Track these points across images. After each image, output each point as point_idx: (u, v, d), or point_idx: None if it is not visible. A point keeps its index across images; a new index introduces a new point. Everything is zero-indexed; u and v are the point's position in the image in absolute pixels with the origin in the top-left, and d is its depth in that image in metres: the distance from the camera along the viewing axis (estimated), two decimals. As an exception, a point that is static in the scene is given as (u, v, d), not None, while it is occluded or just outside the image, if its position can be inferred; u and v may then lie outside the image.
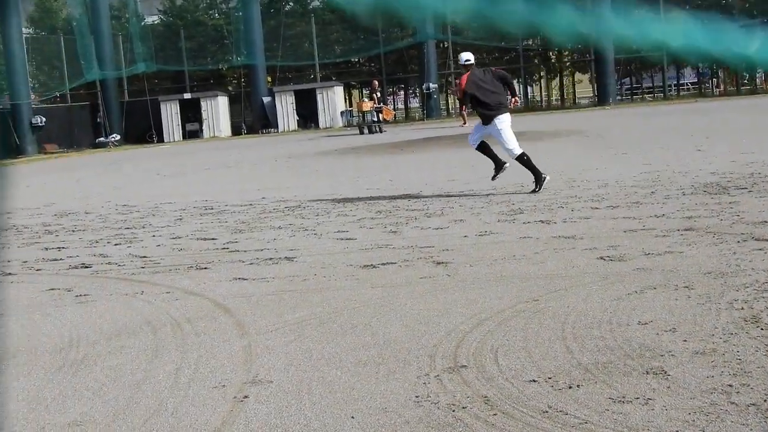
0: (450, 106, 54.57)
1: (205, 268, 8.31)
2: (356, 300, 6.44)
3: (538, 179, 12.47)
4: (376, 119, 37.26)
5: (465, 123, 36.00)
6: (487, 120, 12.64)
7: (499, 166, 12.95)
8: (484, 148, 12.98)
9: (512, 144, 12.61)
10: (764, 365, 4.28)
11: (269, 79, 51.43)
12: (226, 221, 11.80)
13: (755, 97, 46.84)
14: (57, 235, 11.69)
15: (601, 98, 49.43)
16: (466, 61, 13.03)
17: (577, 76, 61.01)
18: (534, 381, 4.33)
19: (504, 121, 12.59)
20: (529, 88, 60.90)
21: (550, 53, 56.91)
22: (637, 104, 49.52)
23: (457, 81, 12.61)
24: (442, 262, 7.66)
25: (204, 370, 4.96)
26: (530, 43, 54.22)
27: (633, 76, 60.70)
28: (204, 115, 47.19)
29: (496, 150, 13.12)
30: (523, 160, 12.61)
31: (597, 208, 10.34)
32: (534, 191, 12.36)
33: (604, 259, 7.23)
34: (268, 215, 12.14)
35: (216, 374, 4.86)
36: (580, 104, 57.53)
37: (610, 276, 6.58)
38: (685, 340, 4.79)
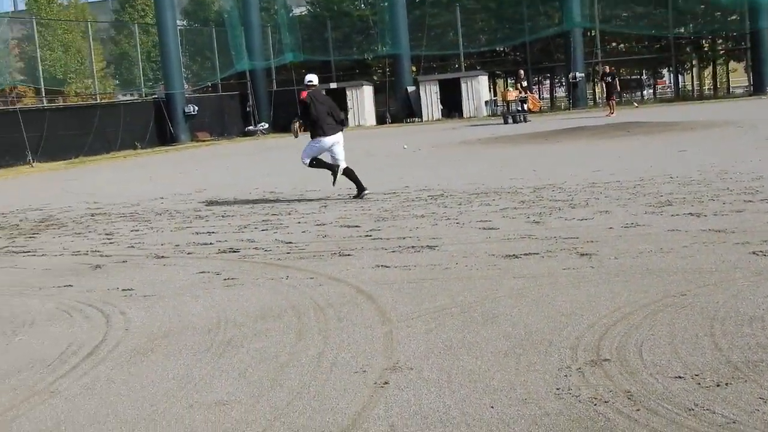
0: (597, 96, 53.52)
1: (349, 254, 8.42)
2: (497, 290, 6.41)
3: (361, 190, 13.51)
4: (520, 108, 36.88)
5: (613, 113, 35.22)
6: (324, 135, 13.58)
7: (335, 172, 13.79)
8: (318, 163, 13.97)
9: (342, 158, 13.74)
10: None
11: (414, 68, 51.58)
12: (370, 209, 11.93)
13: None
14: (207, 220, 12.07)
15: (756, 87, 47.46)
16: (309, 82, 14.25)
17: (732, 64, 58.82)
18: (680, 377, 4.22)
19: (339, 140, 13.72)
20: (680, 78, 59.11)
21: (703, 41, 55.03)
22: (795, 93, 47.36)
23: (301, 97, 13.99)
24: (586, 254, 7.53)
25: (346, 355, 5.04)
26: (682, 31, 52.55)
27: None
28: (349, 104, 47.75)
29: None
30: (349, 171, 13.63)
31: (750, 201, 9.96)
32: (356, 197, 13.45)
33: (757, 255, 6.96)
34: (411, 204, 12.21)
35: (357, 359, 4.93)
36: (734, 94, 55.47)
37: (764, 272, 6.33)
38: (843, 340, 4.57)
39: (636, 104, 29.67)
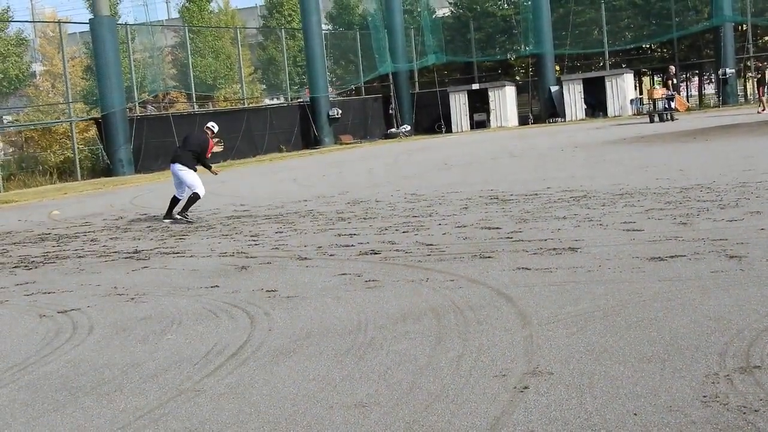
0: (748, 92, 51.63)
1: (489, 257, 8.39)
2: (642, 293, 6.27)
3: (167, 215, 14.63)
4: (667, 107, 35.91)
5: (766, 109, 33.92)
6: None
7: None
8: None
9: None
10: None
11: (557, 67, 50.93)
12: (511, 210, 11.85)
13: None
14: (349, 222, 12.23)
15: None
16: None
17: None
18: (836, 387, 4.03)
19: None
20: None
21: None
22: None
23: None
24: (736, 256, 7.28)
25: (485, 358, 5.02)
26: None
27: None
28: (491, 105, 47.52)
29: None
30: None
31: None
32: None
33: None
34: (553, 205, 12.06)
35: (497, 363, 4.90)
36: None
37: None
38: None
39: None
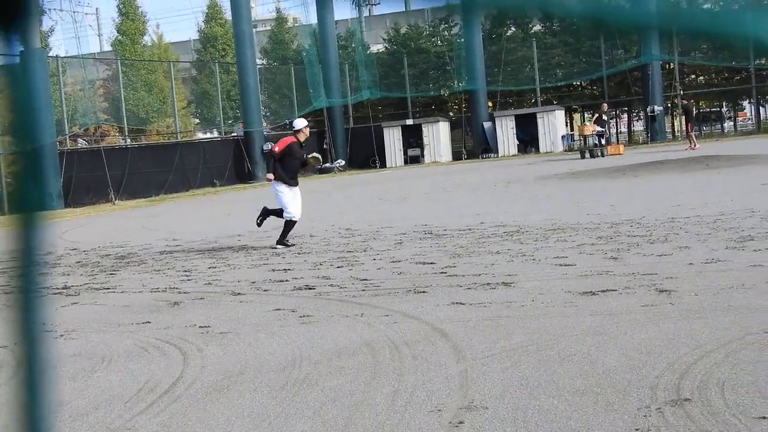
0: (675, 129, 52.83)
1: (424, 291, 8.40)
2: (574, 327, 6.33)
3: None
4: (597, 143, 36.54)
5: (694, 146, 34.63)
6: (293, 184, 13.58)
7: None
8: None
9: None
10: None
11: (490, 103, 51.59)
12: (445, 245, 11.90)
13: None
14: (283, 257, 12.17)
15: (843, 118, 46.34)
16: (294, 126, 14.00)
17: (816, 95, 57.51)
18: (764, 418, 4.10)
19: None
20: (761, 109, 58.00)
21: (786, 72, 53.97)
22: None
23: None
24: (666, 290, 7.40)
25: (420, 393, 5.01)
26: (763, 62, 51.64)
27: None
28: (425, 140, 47.89)
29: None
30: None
31: (837, 236, 9.68)
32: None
33: None
34: (487, 240, 12.15)
35: (432, 398, 4.90)
36: (820, 125, 54.20)
37: None
38: None
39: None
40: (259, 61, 52.13)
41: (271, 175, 13.46)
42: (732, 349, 5.34)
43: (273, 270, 10.95)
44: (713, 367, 5.01)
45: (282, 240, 13.42)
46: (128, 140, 41.31)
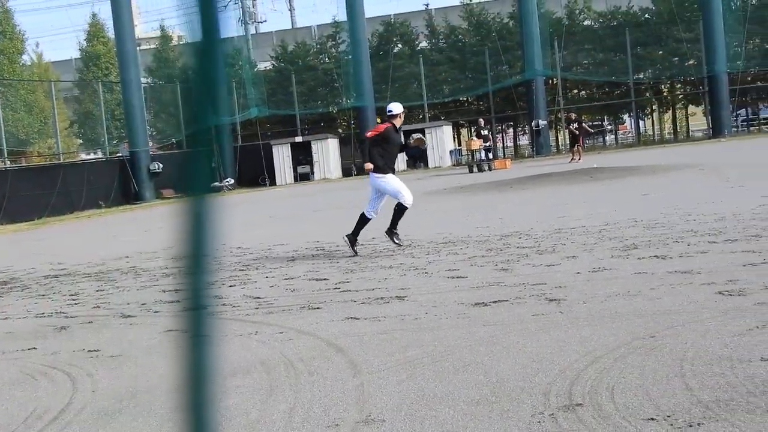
0: (560, 143, 54.13)
1: (318, 308, 8.39)
2: (468, 338, 6.40)
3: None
4: (484, 158, 37.17)
5: (579, 159, 35.44)
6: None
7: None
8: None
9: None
10: None
11: (378, 120, 51.94)
12: (338, 261, 11.91)
13: None
14: (174, 278, 11.97)
15: (715, 130, 48.22)
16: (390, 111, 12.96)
17: (690, 108, 59.76)
18: (652, 419, 4.22)
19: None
20: (641, 122, 59.94)
21: (662, 86, 55.96)
22: (753, 136, 48.17)
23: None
24: (555, 299, 7.55)
25: (317, 409, 4.99)
26: (641, 76, 53.41)
27: (749, 107, 59.12)
28: (315, 157, 47.89)
29: None
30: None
31: (714, 242, 10.06)
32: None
33: (723, 294, 7.02)
34: (379, 254, 12.20)
35: (329, 413, 4.88)
36: (694, 137, 56.29)
37: (730, 311, 6.38)
38: (811, 377, 4.60)
39: (596, 165, 30.29)
40: (143, 80, 51.36)
41: (369, 165, 12.50)
42: (620, 354, 5.48)
43: (163, 291, 10.76)
44: (603, 372, 5.13)
45: (393, 229, 12.56)
46: (7, 162, 40.09)
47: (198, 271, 1.19)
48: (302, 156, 48.46)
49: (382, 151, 12.49)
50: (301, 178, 48.03)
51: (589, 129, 38.22)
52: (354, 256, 12.28)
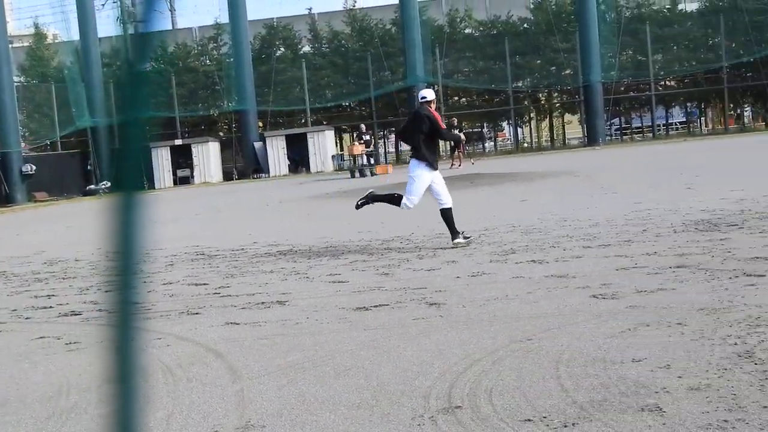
0: (441, 149, 54.86)
1: (197, 313, 8.26)
2: (349, 343, 6.41)
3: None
4: (366, 163, 37.35)
5: (459, 164, 35.94)
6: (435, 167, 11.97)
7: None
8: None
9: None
10: (759, 400, 4.26)
11: (260, 124, 51.64)
12: (218, 266, 11.76)
13: (743, 136, 47.13)
14: (47, 283, 11.63)
15: (590, 139, 49.68)
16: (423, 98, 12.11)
17: (567, 117, 61.39)
18: (529, 420, 4.30)
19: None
20: (519, 130, 61.22)
21: (540, 95, 57.31)
22: (626, 144, 49.81)
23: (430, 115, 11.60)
24: (435, 303, 7.63)
25: (196, 416, 4.91)
26: (520, 85, 54.59)
27: (622, 116, 61.10)
28: (195, 161, 47.27)
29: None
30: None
31: (589, 247, 10.34)
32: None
33: (597, 298, 7.22)
34: (260, 259, 12.11)
35: (208, 420, 4.81)
36: (570, 145, 57.82)
37: (603, 314, 6.56)
38: (679, 377, 4.77)
39: (473, 162, 30.89)
40: (16, 79, 49.76)
41: (463, 136, 11.57)
42: (498, 357, 5.57)
43: (36, 296, 10.43)
44: (481, 374, 5.21)
45: (456, 229, 11.61)
46: None
47: (127, 271, 1.17)
48: (182, 159, 47.77)
49: (430, 142, 11.88)
50: (181, 181, 47.35)
51: (463, 137, 38.68)
52: (469, 241, 11.66)
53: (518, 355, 5.56)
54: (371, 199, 12.25)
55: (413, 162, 11.84)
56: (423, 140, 11.65)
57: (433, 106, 11.94)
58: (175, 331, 7.47)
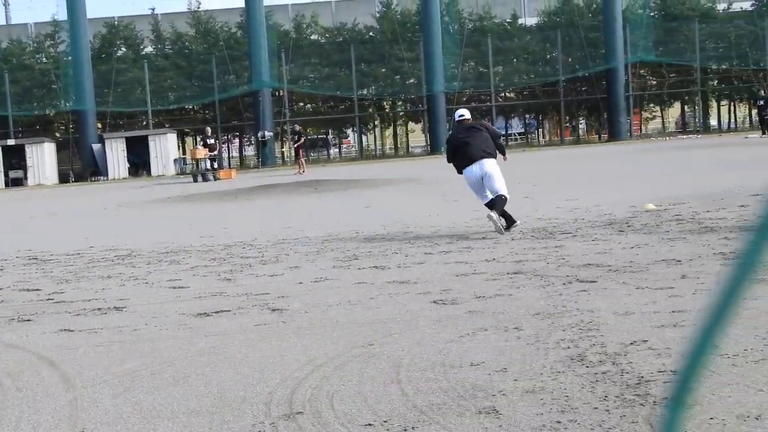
0: (285, 154, 54.66)
1: (29, 320, 7.94)
2: (189, 349, 6.29)
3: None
4: (209, 167, 36.87)
5: (303, 171, 35.93)
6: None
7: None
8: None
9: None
10: (590, 401, 4.41)
11: (99, 125, 50.25)
12: (52, 271, 11.34)
13: (578, 147, 48.99)
14: None
15: (433, 147, 50.58)
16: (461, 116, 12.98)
17: (410, 125, 62.30)
18: (370, 425, 4.32)
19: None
20: (363, 137, 61.71)
21: (384, 103, 57.96)
22: (467, 153, 50.87)
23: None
24: (278, 309, 7.59)
25: (26, 426, 4.72)
26: (365, 92, 55.06)
27: (463, 125, 62.35)
28: (29, 162, 45.52)
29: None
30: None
31: (430, 254, 10.50)
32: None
33: (437, 303, 7.33)
34: (97, 264, 11.75)
35: (38, 431, 4.63)
36: (414, 153, 58.70)
37: (443, 319, 6.67)
38: (515, 380, 4.89)
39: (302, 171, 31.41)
40: None
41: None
42: (340, 362, 5.58)
43: None
44: (323, 380, 5.20)
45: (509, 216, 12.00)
46: None
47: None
48: (15, 160, 45.93)
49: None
50: (13, 183, 45.52)
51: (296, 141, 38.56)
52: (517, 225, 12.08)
53: (360, 360, 5.59)
54: (499, 216, 11.93)
55: (491, 161, 12.24)
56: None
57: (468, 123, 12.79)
58: (5, 338, 7.16)
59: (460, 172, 12.57)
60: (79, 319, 7.81)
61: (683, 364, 0.99)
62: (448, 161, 12.95)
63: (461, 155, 12.37)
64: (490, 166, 12.17)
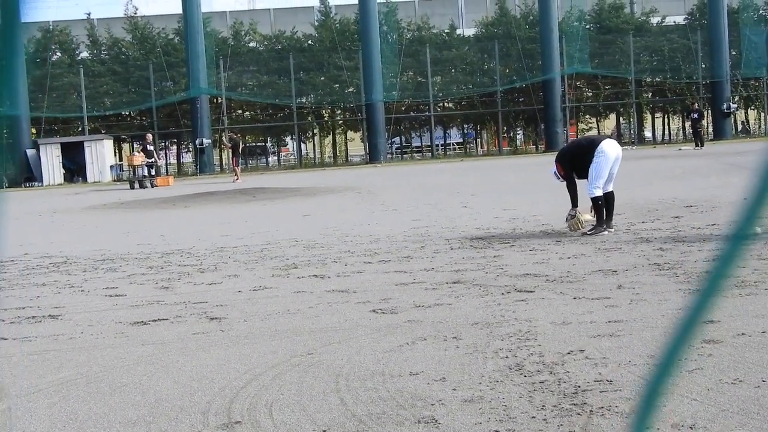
0: (223, 162, 54.31)
1: (-40, 328, 7.79)
2: (125, 358, 6.23)
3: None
4: (146, 174, 36.49)
5: (238, 178, 35.75)
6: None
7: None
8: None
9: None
10: (528, 410, 4.47)
11: (33, 130, 49.44)
12: (-15, 278, 11.13)
13: (516, 157, 49.45)
14: None
15: (372, 156, 50.66)
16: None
17: (349, 134, 62.33)
18: (309, 434, 4.32)
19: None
20: (302, 146, 61.59)
21: (323, 111, 57.91)
22: (406, 162, 51.14)
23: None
24: (216, 318, 7.54)
25: (-43, 437, 4.62)
26: (304, 100, 54.96)
27: (403, 135, 62.70)
28: (-39, 167, 44.67)
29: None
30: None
31: (369, 263, 10.52)
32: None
33: (377, 312, 7.36)
34: (31, 272, 11.56)
35: (-29, 441, 4.54)
36: (353, 162, 58.73)
37: (383, 328, 6.69)
38: (454, 389, 4.93)
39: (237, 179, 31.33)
40: None
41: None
42: (279, 372, 5.57)
43: None
44: (262, 389, 5.19)
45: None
46: None
47: None
48: (-54, 165, 44.96)
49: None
50: (-55, 188, 44.53)
51: (238, 155, 38.28)
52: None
53: (299, 370, 5.59)
54: (598, 219, 12.26)
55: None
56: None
57: None
58: (-65, 347, 7.01)
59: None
60: (13, 327, 7.68)
61: (651, 378, 1.01)
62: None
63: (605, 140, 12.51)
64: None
